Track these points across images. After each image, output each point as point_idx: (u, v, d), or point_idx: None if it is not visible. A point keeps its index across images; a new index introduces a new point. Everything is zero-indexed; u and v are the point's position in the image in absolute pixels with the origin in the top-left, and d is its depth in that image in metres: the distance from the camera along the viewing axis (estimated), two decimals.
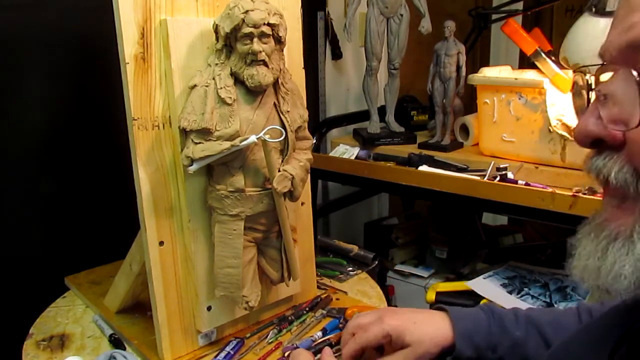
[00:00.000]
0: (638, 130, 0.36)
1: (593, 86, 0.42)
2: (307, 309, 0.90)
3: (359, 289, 1.02)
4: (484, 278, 1.26)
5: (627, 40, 0.37)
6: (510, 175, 1.11)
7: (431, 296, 1.24)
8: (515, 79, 1.22)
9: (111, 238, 1.05)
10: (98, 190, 1.17)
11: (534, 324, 0.69)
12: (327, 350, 0.68)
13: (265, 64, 0.69)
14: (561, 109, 1.14)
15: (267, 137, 0.69)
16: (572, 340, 0.53)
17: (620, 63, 0.38)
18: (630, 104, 0.37)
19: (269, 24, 0.67)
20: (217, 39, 0.70)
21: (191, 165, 0.69)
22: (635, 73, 0.36)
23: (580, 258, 0.40)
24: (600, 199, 0.42)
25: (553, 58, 1.28)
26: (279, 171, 0.72)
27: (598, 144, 0.39)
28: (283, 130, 0.72)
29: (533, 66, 1.34)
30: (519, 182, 1.08)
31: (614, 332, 0.45)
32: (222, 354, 0.79)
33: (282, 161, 0.74)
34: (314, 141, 1.07)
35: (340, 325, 0.85)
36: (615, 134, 0.38)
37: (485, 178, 1.13)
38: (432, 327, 0.68)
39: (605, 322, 0.49)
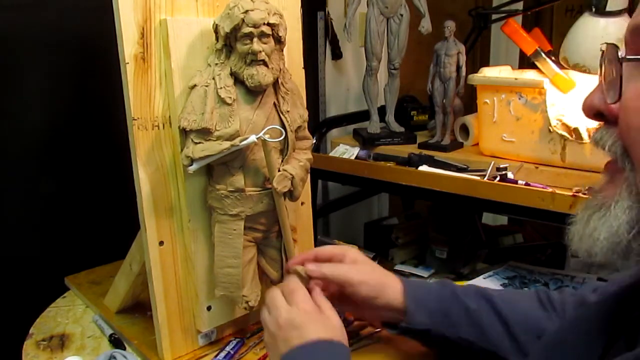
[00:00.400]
0: (624, 106, 0.41)
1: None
2: None
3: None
4: (484, 278, 1.26)
5: (633, 24, 0.41)
6: (510, 175, 1.11)
7: None
8: (515, 79, 1.22)
9: (111, 238, 1.06)
10: (98, 190, 1.17)
11: (489, 300, 0.70)
12: (317, 290, 0.67)
13: (265, 64, 0.69)
14: (561, 109, 1.14)
15: (267, 137, 0.69)
16: (566, 329, 0.54)
17: (628, 44, 0.41)
18: (613, 81, 0.41)
19: (268, 24, 0.67)
20: (217, 39, 0.70)
21: (191, 165, 0.69)
22: (619, 53, 0.41)
23: (572, 225, 0.45)
24: None
25: (553, 58, 1.28)
26: (279, 171, 0.72)
27: (601, 117, 0.43)
28: (283, 130, 0.72)
29: (533, 66, 1.34)
30: (519, 182, 1.08)
31: (610, 322, 0.46)
32: (222, 354, 0.79)
33: (282, 161, 0.74)
34: (314, 141, 1.07)
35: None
36: (612, 108, 0.42)
37: (485, 178, 1.13)
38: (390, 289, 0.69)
39: (600, 311, 0.50)
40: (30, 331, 0.88)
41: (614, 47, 0.42)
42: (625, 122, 0.41)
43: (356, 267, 0.70)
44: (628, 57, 0.41)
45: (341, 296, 0.71)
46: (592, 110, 0.44)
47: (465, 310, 0.68)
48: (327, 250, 0.74)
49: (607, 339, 0.45)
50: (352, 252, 0.72)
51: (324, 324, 0.61)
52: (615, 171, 0.42)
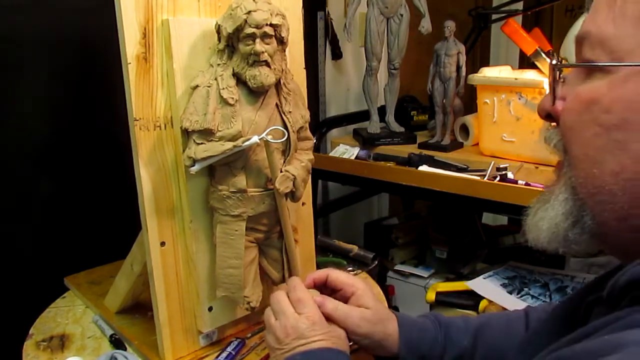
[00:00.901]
0: (564, 108, 0.45)
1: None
2: None
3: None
4: (484, 278, 1.26)
5: (575, 35, 0.45)
6: (510, 175, 1.12)
7: (431, 296, 1.24)
8: (515, 79, 1.22)
9: (111, 238, 1.05)
10: (99, 190, 1.17)
11: (483, 333, 0.70)
12: (326, 301, 0.68)
13: (268, 65, 0.68)
14: None
15: (269, 137, 0.69)
16: (539, 328, 0.55)
17: (575, 52, 0.46)
18: (551, 85, 0.47)
19: (271, 25, 0.67)
20: (219, 40, 0.70)
21: (193, 165, 0.69)
22: (552, 60, 0.47)
23: (526, 216, 0.49)
24: None
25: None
26: (281, 172, 0.72)
27: (551, 118, 0.48)
28: (285, 131, 0.72)
29: (533, 66, 1.34)
30: (519, 182, 1.08)
31: (572, 313, 0.50)
32: (224, 355, 0.79)
33: (284, 162, 0.74)
34: (315, 141, 1.07)
35: None
36: (557, 110, 0.46)
37: (485, 178, 1.13)
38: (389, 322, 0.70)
39: (567, 304, 0.53)
40: (30, 332, 0.88)
41: (550, 54, 0.47)
42: (563, 121, 0.45)
43: (362, 315, 0.69)
44: (558, 64, 0.47)
45: None
46: (543, 112, 0.48)
47: (458, 353, 0.69)
48: (339, 278, 0.72)
49: (566, 329, 0.47)
50: (361, 287, 0.71)
51: (329, 334, 0.63)
52: (561, 167, 0.47)
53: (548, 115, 0.48)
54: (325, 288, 0.73)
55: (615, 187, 0.40)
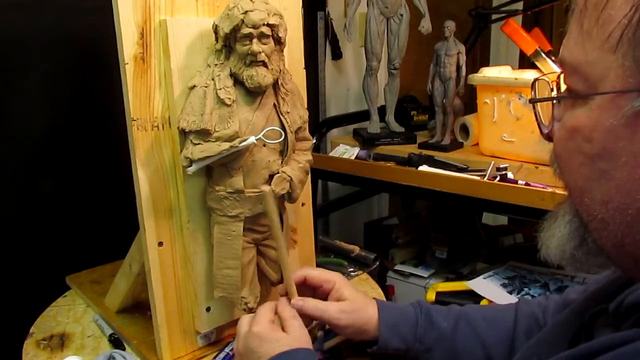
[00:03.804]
0: (554, 131, 0.45)
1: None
2: None
3: (360, 290, 1.02)
4: (484, 278, 1.26)
5: (559, 57, 0.44)
6: (510, 175, 1.11)
7: (431, 296, 1.24)
8: (515, 79, 1.22)
9: (113, 237, 1.05)
10: (101, 189, 1.17)
11: (466, 318, 0.72)
12: (281, 302, 0.71)
13: (265, 65, 0.68)
14: None
15: (267, 139, 0.69)
16: (545, 332, 0.55)
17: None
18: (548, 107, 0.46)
19: (268, 25, 0.67)
20: (216, 40, 0.70)
21: (190, 166, 0.69)
22: (551, 79, 0.47)
23: (539, 232, 0.49)
24: None
25: (553, 58, 1.28)
26: (278, 172, 0.72)
27: (552, 140, 0.47)
28: (282, 132, 0.72)
29: (533, 66, 1.34)
30: (519, 182, 1.08)
31: (574, 324, 0.49)
32: (222, 355, 0.79)
33: (282, 162, 0.74)
34: (314, 142, 1.07)
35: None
36: (554, 132, 0.45)
37: (485, 178, 1.13)
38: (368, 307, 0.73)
39: (570, 313, 0.52)
40: (31, 330, 0.88)
41: (538, 82, 0.48)
42: (554, 149, 0.45)
43: (340, 307, 0.72)
44: (532, 98, 0.47)
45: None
46: (544, 135, 0.48)
47: (439, 335, 0.70)
48: (316, 276, 0.76)
49: (570, 339, 0.47)
50: (338, 281, 0.76)
51: (278, 340, 0.64)
52: (566, 186, 0.46)
53: (549, 138, 0.47)
54: (306, 288, 0.76)
55: (606, 216, 0.39)
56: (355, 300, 0.73)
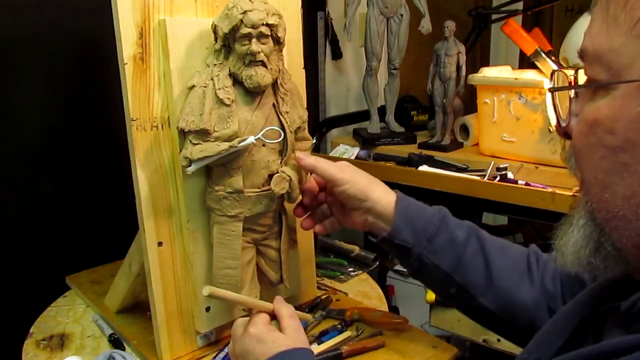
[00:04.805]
0: (572, 126, 0.43)
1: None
2: (306, 310, 0.90)
3: (360, 290, 1.02)
4: None
5: (579, 48, 0.42)
6: (510, 175, 1.11)
7: (431, 296, 1.24)
8: (515, 79, 1.22)
9: (113, 237, 1.05)
10: (98, 189, 1.17)
11: (478, 236, 0.71)
12: (277, 300, 0.69)
13: (264, 65, 0.68)
14: None
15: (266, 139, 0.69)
16: (554, 319, 0.54)
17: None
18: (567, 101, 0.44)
19: (267, 25, 0.67)
20: (215, 40, 0.70)
21: (189, 166, 0.69)
22: (569, 73, 0.44)
23: (555, 239, 0.47)
24: None
25: (553, 58, 1.28)
26: (277, 172, 0.72)
27: (569, 136, 0.45)
28: (282, 131, 0.72)
29: (533, 66, 1.34)
30: (519, 182, 1.08)
31: (576, 317, 0.48)
32: (221, 355, 0.79)
33: (281, 162, 0.74)
34: (314, 142, 1.07)
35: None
36: (572, 127, 0.43)
37: (485, 178, 1.13)
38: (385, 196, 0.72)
39: (575, 306, 0.51)
40: (31, 330, 0.88)
41: (558, 74, 0.46)
42: (573, 143, 0.43)
43: (347, 169, 0.72)
44: (552, 87, 0.45)
45: (331, 198, 0.76)
46: (560, 131, 0.46)
47: (451, 240, 0.69)
48: (326, 170, 0.74)
49: (570, 333, 0.46)
50: (345, 162, 0.75)
51: (275, 341, 0.63)
52: (581, 189, 0.44)
53: (566, 134, 0.45)
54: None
55: (628, 212, 0.38)
56: (365, 176, 0.73)
